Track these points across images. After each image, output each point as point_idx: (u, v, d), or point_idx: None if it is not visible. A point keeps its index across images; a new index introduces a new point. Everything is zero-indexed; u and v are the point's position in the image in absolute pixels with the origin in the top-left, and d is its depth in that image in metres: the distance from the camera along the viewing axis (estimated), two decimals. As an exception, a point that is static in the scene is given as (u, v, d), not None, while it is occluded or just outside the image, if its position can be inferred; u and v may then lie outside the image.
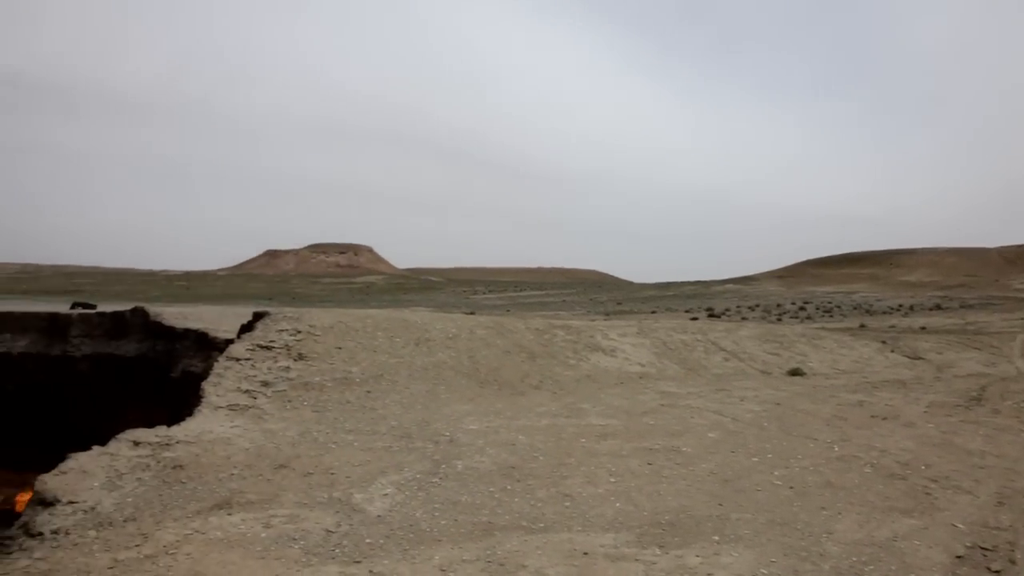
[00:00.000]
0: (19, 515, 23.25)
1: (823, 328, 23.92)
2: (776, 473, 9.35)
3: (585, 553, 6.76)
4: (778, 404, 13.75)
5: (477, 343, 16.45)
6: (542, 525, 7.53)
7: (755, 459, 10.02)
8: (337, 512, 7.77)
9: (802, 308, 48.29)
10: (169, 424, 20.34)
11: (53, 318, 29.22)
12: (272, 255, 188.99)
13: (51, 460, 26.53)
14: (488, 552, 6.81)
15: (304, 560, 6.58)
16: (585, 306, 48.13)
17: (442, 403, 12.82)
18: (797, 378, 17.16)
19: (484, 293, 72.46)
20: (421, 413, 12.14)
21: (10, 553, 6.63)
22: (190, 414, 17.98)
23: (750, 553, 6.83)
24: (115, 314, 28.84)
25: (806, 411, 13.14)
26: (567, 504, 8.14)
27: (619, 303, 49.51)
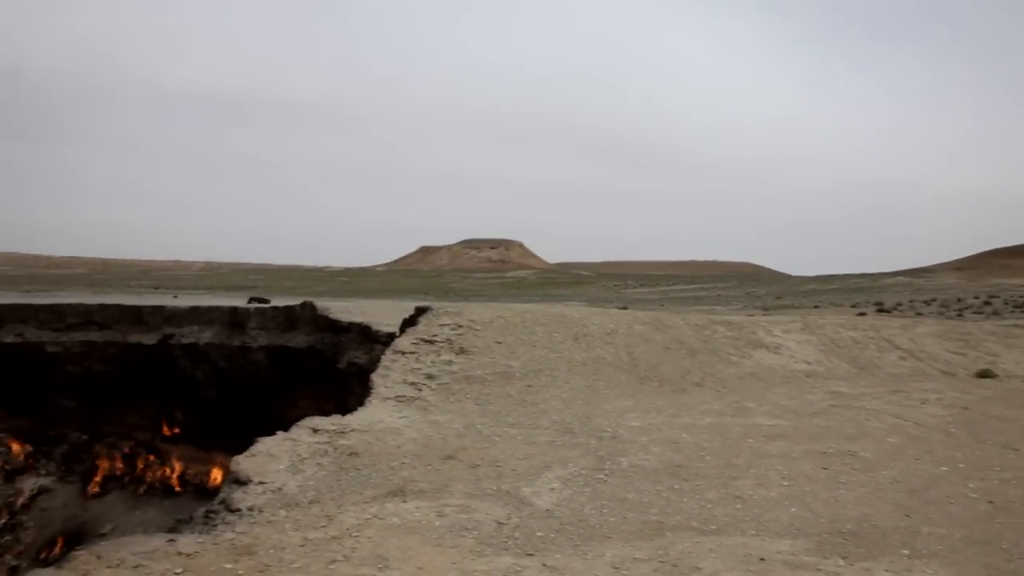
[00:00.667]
0: (211, 489, 25.32)
1: (1015, 325, 21.82)
2: (971, 485, 8.62)
3: (761, 559, 6.50)
4: (966, 408, 12.67)
5: (635, 339, 16.24)
6: (714, 527, 7.32)
7: (944, 468, 9.28)
8: (506, 504, 7.90)
9: (987, 303, 44.21)
10: (337, 412, 21.48)
11: (234, 311, 31.61)
12: (426, 251, 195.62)
13: (231, 440, 28.61)
14: (660, 552, 6.70)
15: (478, 550, 6.72)
16: (741, 300, 46.53)
17: (602, 399, 12.76)
18: (988, 380, 15.74)
19: (635, 287, 71.60)
20: (582, 408, 12.13)
21: (215, 526, 7.20)
22: (359, 403, 18.92)
23: (947, 572, 6.32)
24: (287, 308, 30.82)
25: (1001, 417, 12.03)
26: (738, 507, 7.87)
27: (778, 297, 47.48)
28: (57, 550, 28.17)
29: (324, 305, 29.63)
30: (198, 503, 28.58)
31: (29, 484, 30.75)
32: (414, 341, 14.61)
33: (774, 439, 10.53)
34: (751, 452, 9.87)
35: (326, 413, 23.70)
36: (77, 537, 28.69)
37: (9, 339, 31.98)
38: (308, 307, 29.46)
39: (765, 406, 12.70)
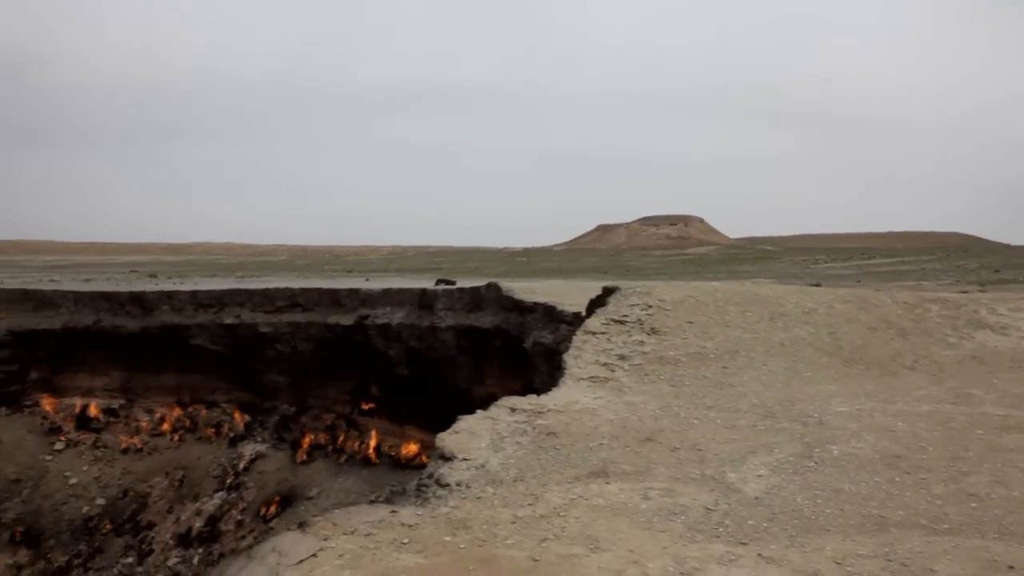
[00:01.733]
0: (405, 461, 26.59)
1: None
2: None
3: (1011, 567, 5.89)
4: None
5: (837, 318, 15.28)
6: (946, 526, 6.74)
7: None
8: (712, 490, 7.69)
9: None
10: (523, 391, 21.88)
11: (423, 293, 33.04)
12: (604, 229, 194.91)
13: (423, 416, 29.95)
14: (886, 549, 6.25)
15: (688, 536, 6.59)
16: (951, 274, 42.52)
17: (804, 382, 12.12)
18: None
19: (826, 262, 67.41)
20: (782, 392, 11.58)
21: (428, 499, 7.54)
22: (545, 382, 19.19)
23: None
24: (473, 289, 31.78)
25: None
26: (974, 505, 7.19)
27: (996, 270, 42.96)
28: (273, 508, 30.92)
29: (508, 286, 30.27)
30: (393, 474, 30.41)
31: (248, 450, 33.99)
32: (604, 322, 14.57)
33: (1009, 431, 9.54)
34: (982, 445, 8.99)
35: (512, 391, 24.25)
36: (288, 499, 31.36)
37: (229, 320, 35.31)
38: (493, 288, 30.21)
39: (993, 393, 11.53)
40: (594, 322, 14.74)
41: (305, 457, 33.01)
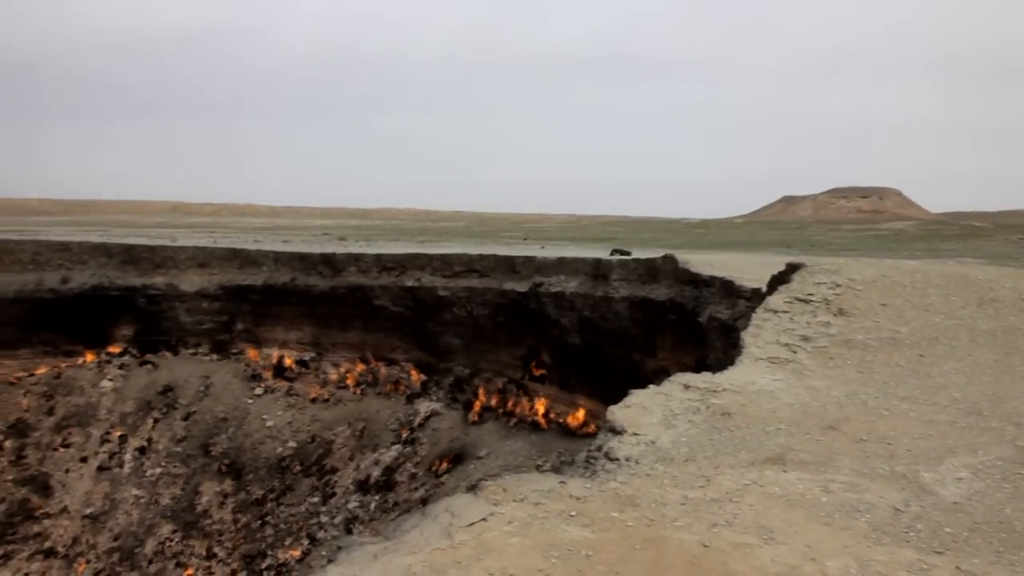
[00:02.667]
0: (572, 429, 26.71)
1: None
2: None
3: None
4: None
5: (1061, 308, 13.61)
6: None
7: None
8: (903, 489, 7.11)
9: None
10: (696, 366, 21.30)
11: (597, 263, 32.91)
12: (788, 201, 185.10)
13: (592, 385, 29.96)
14: (1115, 575, 5.50)
15: (873, 536, 6.13)
16: None
17: (1018, 377, 10.89)
18: None
19: (1047, 243, 60.04)
20: (991, 387, 10.48)
21: (596, 472, 7.51)
22: (719, 359, 18.56)
23: None
24: (648, 260, 31.26)
25: None
26: None
27: None
28: (444, 464, 32.31)
29: (684, 258, 29.48)
30: (560, 441, 30.82)
31: (424, 407, 35.63)
32: (787, 300, 13.81)
33: None
34: None
35: (685, 367, 23.70)
36: (459, 457, 32.62)
37: (410, 283, 36.98)
38: (669, 260, 29.56)
39: None
40: (776, 299, 14.02)
41: (476, 418, 34.13)
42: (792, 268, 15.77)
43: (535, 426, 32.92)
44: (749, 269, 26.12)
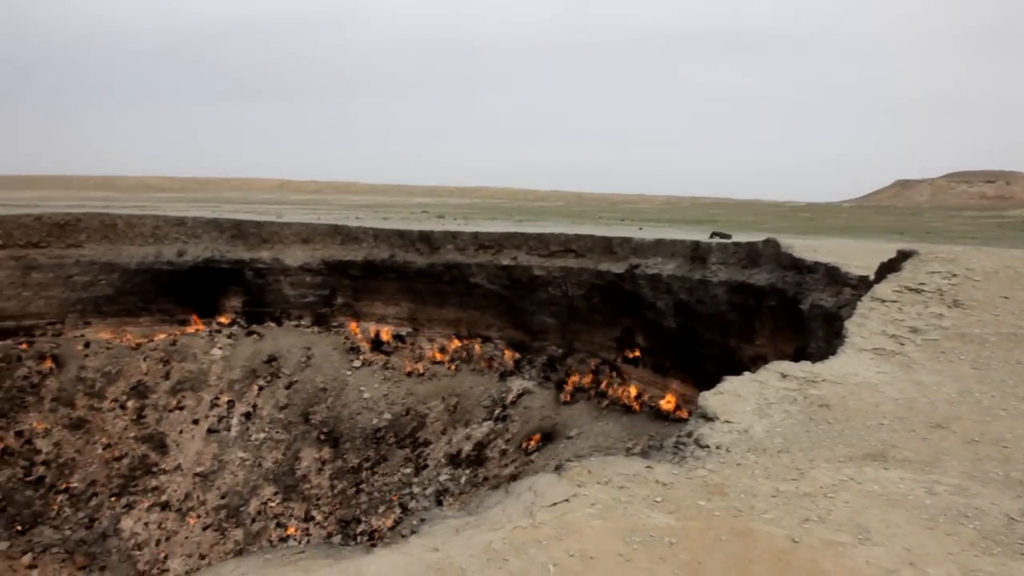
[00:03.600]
0: (664, 412, 26.26)
1: None
2: None
3: None
4: None
5: None
6: None
7: None
8: (1018, 496, 6.64)
9: None
10: (796, 355, 20.57)
11: (696, 245, 32.19)
12: (903, 185, 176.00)
13: (686, 370, 29.40)
14: None
15: (982, 545, 5.75)
16: None
17: None
18: None
19: None
20: (1124, 389, 9.66)
21: (685, 459, 7.34)
22: (821, 348, 17.86)
23: None
24: (748, 244, 30.34)
25: None
26: None
27: None
28: (534, 443, 32.49)
29: (787, 242, 28.46)
30: (652, 424, 30.47)
31: (516, 385, 35.89)
32: (896, 289, 13.12)
33: None
34: None
35: (784, 355, 22.94)
36: (550, 436, 32.73)
37: (506, 261, 37.19)
38: (771, 244, 28.60)
39: None
40: (884, 288, 13.33)
41: (568, 398, 34.14)
42: (903, 255, 14.96)
43: (627, 408, 32.67)
44: (856, 255, 25.01)
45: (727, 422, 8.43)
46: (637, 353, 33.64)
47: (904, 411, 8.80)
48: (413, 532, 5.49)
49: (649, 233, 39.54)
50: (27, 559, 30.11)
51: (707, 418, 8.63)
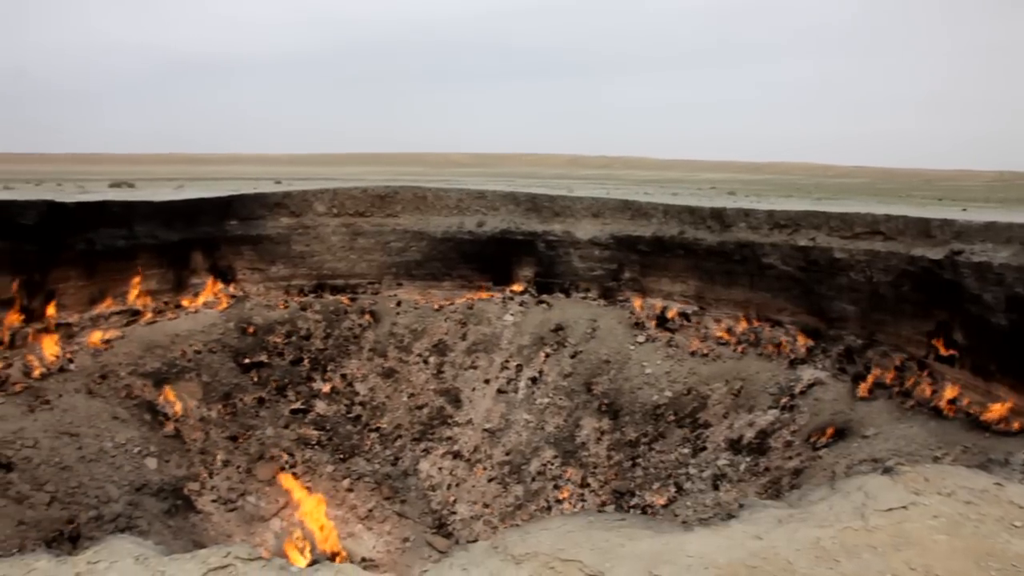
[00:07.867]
0: (984, 423, 23.05)
1: None
2: None
3: None
4: None
5: None
6: None
7: None
8: None
9: None
10: None
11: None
12: None
13: (1019, 374, 25.68)
14: None
15: None
16: None
17: None
18: None
19: None
20: None
21: None
22: None
23: None
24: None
25: None
26: None
27: None
28: (825, 438, 30.41)
29: None
30: (967, 434, 27.07)
31: (807, 374, 33.81)
32: None
33: None
34: None
35: None
36: (842, 432, 30.42)
37: (803, 242, 34.99)
38: None
39: None
40: None
41: (866, 393, 31.48)
42: None
43: (936, 412, 29.32)
44: None
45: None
46: (954, 351, 29.98)
47: None
48: (730, 515, 5.31)
49: (976, 215, 34.94)
50: (346, 483, 34.63)
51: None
